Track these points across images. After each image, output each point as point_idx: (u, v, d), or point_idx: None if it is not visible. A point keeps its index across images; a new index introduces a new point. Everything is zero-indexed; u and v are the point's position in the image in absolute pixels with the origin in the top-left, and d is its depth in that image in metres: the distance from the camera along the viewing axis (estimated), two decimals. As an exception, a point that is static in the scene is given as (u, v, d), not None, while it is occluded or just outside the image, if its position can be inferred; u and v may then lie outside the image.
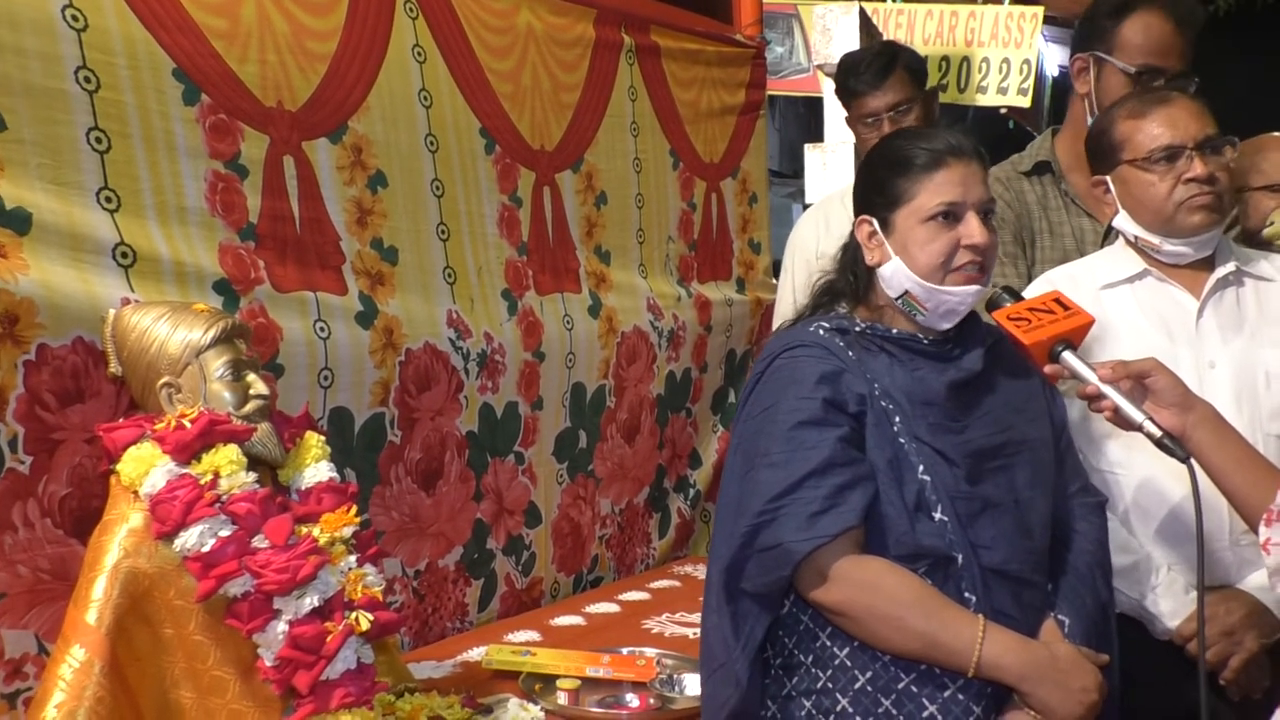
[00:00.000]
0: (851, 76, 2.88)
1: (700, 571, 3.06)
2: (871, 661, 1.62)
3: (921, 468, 1.63)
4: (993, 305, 1.73)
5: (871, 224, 1.74)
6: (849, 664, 1.64)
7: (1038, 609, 1.70)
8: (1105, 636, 1.75)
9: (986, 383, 1.74)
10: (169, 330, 1.73)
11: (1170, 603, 1.93)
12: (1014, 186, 2.49)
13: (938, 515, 1.62)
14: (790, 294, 3.06)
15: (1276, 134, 2.63)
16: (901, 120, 2.81)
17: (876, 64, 2.85)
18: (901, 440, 1.64)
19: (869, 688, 1.62)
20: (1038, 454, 1.75)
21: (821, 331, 1.74)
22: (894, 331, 1.74)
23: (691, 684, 2.10)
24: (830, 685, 1.64)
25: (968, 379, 1.71)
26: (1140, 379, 1.60)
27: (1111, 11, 2.38)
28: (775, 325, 3.15)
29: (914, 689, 1.60)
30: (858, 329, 1.74)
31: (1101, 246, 2.39)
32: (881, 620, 1.59)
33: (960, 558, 1.61)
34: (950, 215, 1.66)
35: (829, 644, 1.66)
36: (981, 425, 1.69)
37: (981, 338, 1.77)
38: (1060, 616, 1.71)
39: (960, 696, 1.60)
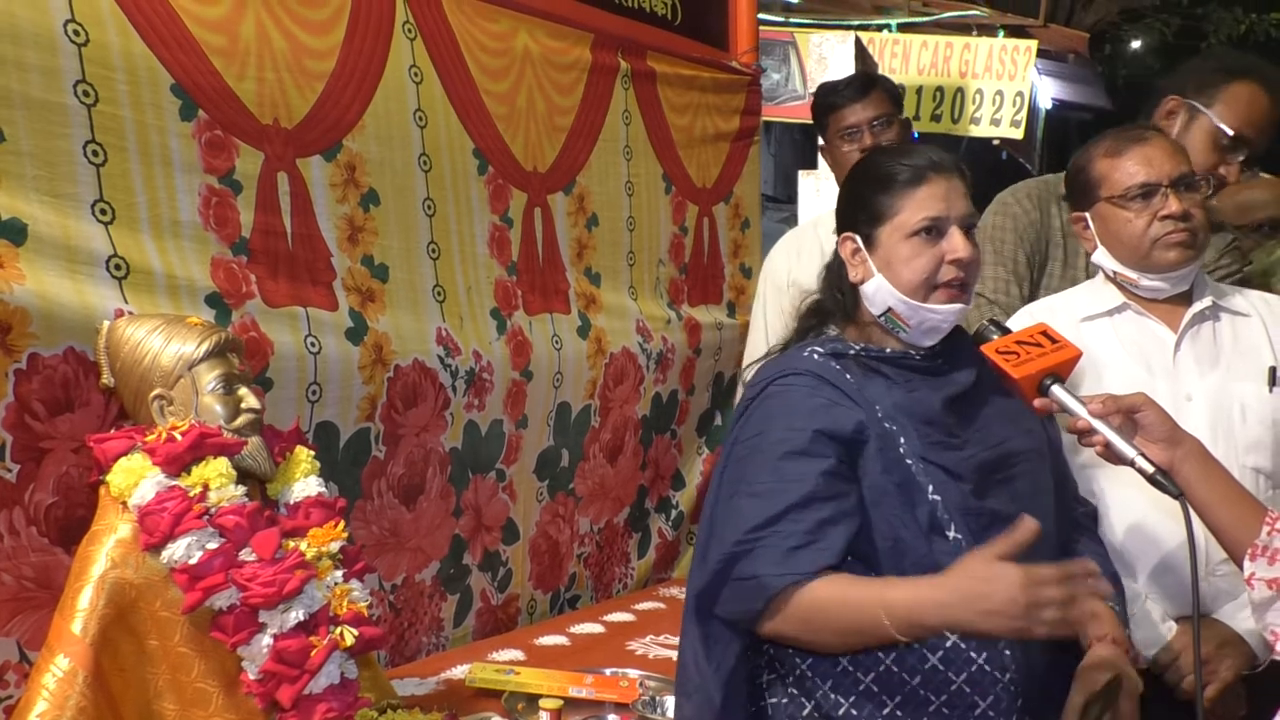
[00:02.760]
0: (832, 94, 3.00)
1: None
2: (879, 710, 1.60)
3: (931, 488, 1.61)
4: (980, 339, 1.72)
5: (855, 241, 1.73)
6: (851, 668, 1.61)
7: None
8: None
9: (979, 396, 1.74)
10: (162, 343, 1.74)
11: (1147, 632, 1.95)
12: (1044, 206, 2.49)
13: (951, 534, 1.60)
14: (762, 321, 3.10)
15: (1260, 174, 2.67)
16: (881, 135, 2.89)
17: (857, 82, 3.00)
18: (909, 462, 1.62)
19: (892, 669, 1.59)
20: (1035, 465, 1.75)
21: (816, 357, 1.71)
22: (887, 351, 1.73)
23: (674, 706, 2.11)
24: (854, 713, 1.61)
25: (962, 393, 1.71)
26: (1130, 414, 1.61)
27: (1222, 69, 2.38)
28: (747, 353, 3.17)
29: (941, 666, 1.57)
30: (852, 352, 1.72)
31: None
32: (818, 634, 1.57)
33: None
34: (934, 230, 1.66)
35: (850, 668, 1.62)
36: (979, 439, 1.69)
37: (971, 351, 1.77)
38: None
39: (987, 669, 1.57)
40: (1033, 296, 2.43)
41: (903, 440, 1.64)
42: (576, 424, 3.00)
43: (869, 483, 1.62)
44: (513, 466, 2.82)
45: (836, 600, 1.55)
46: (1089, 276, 2.42)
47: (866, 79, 3.04)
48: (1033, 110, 7.52)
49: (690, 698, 1.69)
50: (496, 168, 2.75)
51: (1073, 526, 1.82)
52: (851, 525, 1.58)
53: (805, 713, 1.66)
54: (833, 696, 1.63)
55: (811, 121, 3.18)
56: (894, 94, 3.04)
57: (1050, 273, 2.48)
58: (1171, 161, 1.97)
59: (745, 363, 3.17)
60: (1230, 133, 2.32)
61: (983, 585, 1.45)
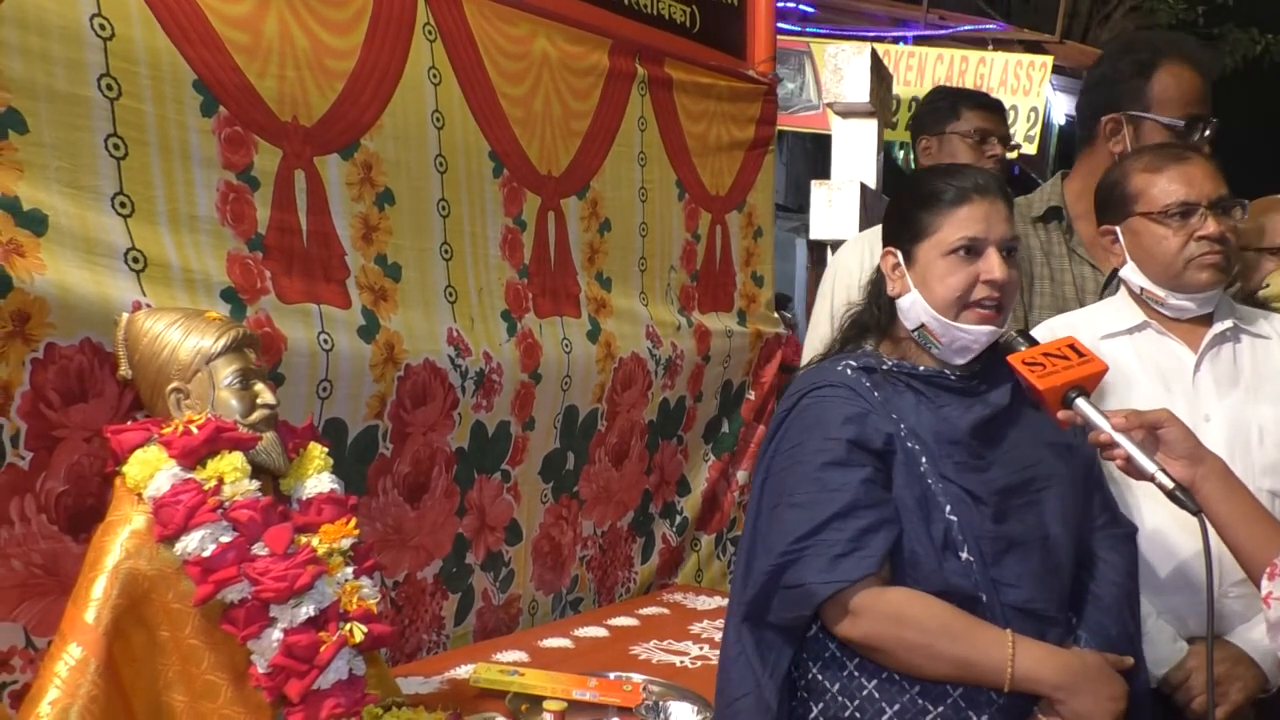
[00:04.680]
0: (973, 94, 3.29)
1: (690, 600, 3.07)
2: (899, 695, 1.63)
3: (948, 508, 1.64)
4: (1006, 349, 1.74)
5: (895, 256, 1.77)
6: (877, 695, 1.65)
7: (1062, 646, 1.69)
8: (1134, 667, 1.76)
9: (1013, 417, 1.75)
10: (181, 336, 1.75)
11: (1158, 651, 1.94)
12: (1016, 230, 2.51)
13: (963, 555, 1.63)
14: (828, 319, 3.09)
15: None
16: (999, 151, 3.15)
17: (994, 99, 3.30)
18: (929, 480, 1.66)
19: (896, 719, 1.64)
20: (1065, 488, 1.76)
21: (849, 371, 1.76)
22: (921, 369, 1.75)
23: (677, 712, 2.11)
24: (858, 715, 1.65)
25: (994, 415, 1.73)
26: (1153, 429, 1.62)
27: (1136, 71, 2.38)
28: (806, 350, 3.16)
29: None
30: (885, 367, 1.75)
31: (1101, 295, 2.42)
32: (912, 650, 1.60)
33: (984, 597, 1.63)
34: (971, 250, 1.69)
35: (857, 674, 1.67)
36: (1006, 462, 1.71)
37: (1009, 371, 1.79)
38: (1084, 648, 1.70)
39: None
40: (1026, 317, 2.45)
41: (924, 459, 1.67)
42: (583, 427, 3.01)
43: (893, 494, 1.66)
44: (518, 468, 2.83)
45: (949, 624, 1.60)
46: (1077, 294, 2.44)
47: (1000, 101, 3.30)
48: (1046, 126, 7.52)
49: (736, 703, 1.70)
50: (511, 170, 2.76)
51: (1100, 546, 1.82)
52: (892, 532, 1.62)
53: (811, 716, 1.70)
54: (840, 699, 1.67)
55: (825, 132, 3.21)
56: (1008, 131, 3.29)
57: (1040, 291, 2.49)
58: (1211, 182, 1.98)
59: (804, 359, 3.16)
60: (1181, 123, 2.34)
61: (1100, 673, 1.62)
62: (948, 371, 1.75)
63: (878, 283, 1.83)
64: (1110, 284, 2.42)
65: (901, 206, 1.80)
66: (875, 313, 1.82)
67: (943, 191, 1.72)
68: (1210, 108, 2.39)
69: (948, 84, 6.34)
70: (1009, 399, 1.75)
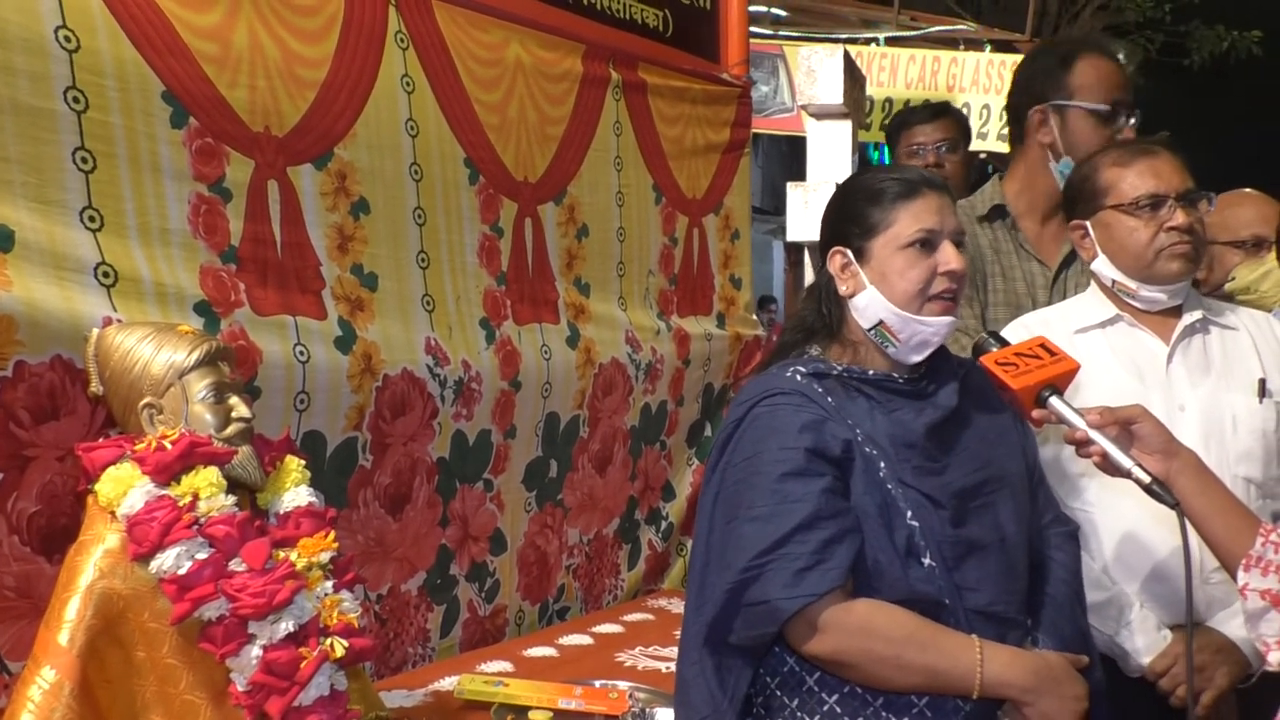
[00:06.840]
0: (906, 114, 3.45)
1: (675, 605, 3.06)
2: (863, 708, 1.61)
3: (910, 513, 1.62)
4: (978, 350, 1.74)
5: (845, 255, 1.73)
6: (839, 710, 1.62)
7: (1021, 648, 1.69)
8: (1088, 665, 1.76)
9: (962, 418, 1.74)
10: (153, 351, 1.72)
11: (1143, 639, 1.96)
12: (965, 230, 2.54)
13: (926, 561, 1.61)
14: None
15: (1246, 190, 2.70)
16: (946, 157, 3.26)
17: (931, 108, 3.48)
18: (889, 486, 1.63)
19: None
20: (1016, 489, 1.75)
21: (799, 377, 1.71)
22: (870, 373, 1.72)
23: (663, 718, 2.10)
24: None
25: (945, 417, 1.71)
26: (1126, 425, 1.62)
27: (1057, 63, 2.47)
28: None
29: None
30: (835, 371, 1.72)
31: (1051, 290, 2.45)
32: (881, 662, 1.57)
33: (948, 602, 1.61)
34: (927, 243, 1.67)
35: (816, 689, 1.64)
36: (961, 464, 1.69)
37: (954, 371, 1.78)
38: (1041, 649, 1.70)
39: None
40: (983, 316, 2.46)
41: (882, 464, 1.65)
42: (565, 434, 2.99)
43: (852, 502, 1.63)
44: (500, 477, 2.81)
45: (916, 633, 1.57)
46: (1029, 289, 2.47)
47: (941, 106, 3.47)
48: (1019, 125, 7.54)
49: None
50: (487, 177, 2.74)
51: (1048, 545, 1.82)
52: (855, 542, 1.58)
53: None
54: (799, 715, 1.64)
55: (799, 134, 3.25)
56: (963, 124, 3.38)
57: (993, 289, 2.52)
58: (1179, 176, 2.01)
59: None
60: (1105, 108, 2.42)
61: (1064, 673, 1.62)
62: (896, 375, 1.73)
63: (824, 285, 1.78)
64: (1059, 279, 2.46)
65: (847, 204, 1.76)
66: (823, 315, 1.78)
67: (890, 186, 1.70)
68: (1133, 97, 2.47)
69: (920, 85, 6.38)
70: (956, 400, 1.74)
